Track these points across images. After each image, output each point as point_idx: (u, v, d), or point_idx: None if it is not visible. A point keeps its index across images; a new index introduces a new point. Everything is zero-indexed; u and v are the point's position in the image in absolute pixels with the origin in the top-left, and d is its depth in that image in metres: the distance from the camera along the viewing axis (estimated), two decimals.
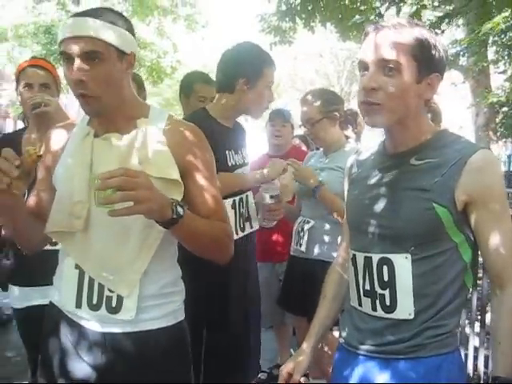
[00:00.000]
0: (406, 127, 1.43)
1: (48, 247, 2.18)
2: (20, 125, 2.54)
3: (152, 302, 1.51)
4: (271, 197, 2.52)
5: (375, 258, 1.44)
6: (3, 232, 2.24)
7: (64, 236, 1.55)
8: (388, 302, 1.41)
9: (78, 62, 1.42)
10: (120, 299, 1.48)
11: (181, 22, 13.83)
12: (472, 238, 1.40)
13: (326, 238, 2.82)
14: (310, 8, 7.71)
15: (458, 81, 10.09)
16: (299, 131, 4.13)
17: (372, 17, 6.16)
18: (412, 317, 1.39)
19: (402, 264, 1.39)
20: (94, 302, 1.49)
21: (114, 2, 12.70)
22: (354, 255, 1.51)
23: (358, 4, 7.41)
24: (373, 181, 1.50)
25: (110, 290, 1.49)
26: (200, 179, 1.53)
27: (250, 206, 2.48)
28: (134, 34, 1.54)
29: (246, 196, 2.46)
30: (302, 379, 1.60)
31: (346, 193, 1.66)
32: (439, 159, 1.38)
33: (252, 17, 8.66)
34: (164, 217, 1.35)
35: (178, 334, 1.58)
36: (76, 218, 1.49)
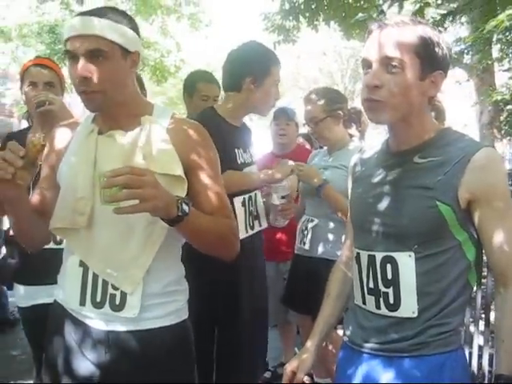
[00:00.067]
0: (410, 125, 1.43)
1: (53, 246, 2.19)
2: (24, 124, 2.54)
3: (155, 300, 1.51)
4: (282, 197, 2.55)
5: (379, 256, 1.44)
6: (11, 232, 2.25)
7: (68, 232, 1.56)
8: (392, 300, 1.42)
9: (82, 60, 1.43)
10: (123, 297, 1.48)
11: (184, 21, 13.83)
12: (476, 236, 1.40)
13: (330, 237, 2.82)
14: (313, 7, 7.70)
15: (463, 79, 10.05)
16: (303, 130, 4.12)
17: (374, 14, 6.14)
18: (415, 315, 1.39)
19: (406, 262, 1.39)
20: (98, 299, 1.50)
21: (118, 1, 12.71)
22: (358, 253, 1.51)
23: (362, 2, 7.40)
24: (376, 179, 1.51)
25: (114, 288, 1.49)
26: (204, 177, 1.54)
27: (259, 205, 2.51)
28: (138, 33, 1.55)
29: (255, 194, 2.49)
30: (306, 378, 1.60)
31: (349, 191, 1.66)
32: (442, 157, 1.38)
33: (255, 15, 8.67)
34: (169, 214, 1.35)
35: (181, 333, 1.58)
36: (79, 214, 1.49)
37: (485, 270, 2.47)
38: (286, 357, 3.62)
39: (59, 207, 1.55)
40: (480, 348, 3.03)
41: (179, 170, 1.48)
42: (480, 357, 3.02)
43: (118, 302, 1.49)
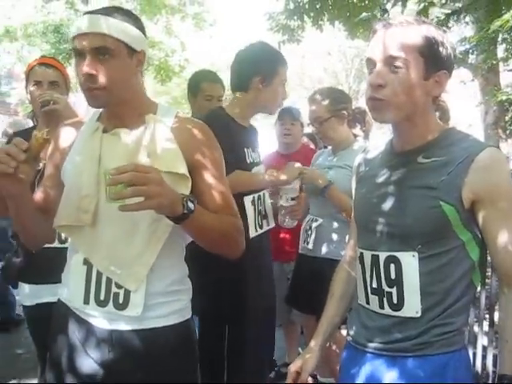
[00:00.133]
0: (414, 124, 1.43)
1: (57, 245, 2.21)
2: (29, 124, 2.55)
3: (159, 299, 1.52)
4: (291, 198, 2.58)
5: (382, 256, 1.44)
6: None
7: (72, 230, 1.56)
8: (395, 300, 1.42)
9: (88, 58, 1.45)
10: (127, 295, 1.49)
11: (189, 21, 13.84)
12: (479, 236, 1.40)
13: (334, 237, 2.82)
14: (318, 6, 7.69)
15: (467, 79, 10.02)
16: (307, 130, 4.13)
17: (378, 14, 6.13)
18: (419, 315, 1.39)
19: (409, 262, 1.39)
20: (102, 298, 1.51)
21: (122, 1, 12.73)
22: (362, 253, 1.51)
23: (366, 2, 7.38)
24: (380, 179, 1.51)
25: (118, 287, 1.50)
26: (208, 176, 1.54)
27: (267, 204, 2.53)
28: (144, 33, 1.56)
29: (263, 194, 2.51)
30: (309, 378, 1.60)
31: (353, 191, 1.66)
32: (446, 157, 1.38)
33: (260, 15, 8.66)
34: (175, 212, 1.36)
35: (185, 332, 1.59)
36: (84, 212, 1.50)
37: (489, 270, 2.46)
38: (290, 357, 3.63)
39: (63, 205, 1.55)
40: (484, 348, 3.03)
41: (183, 168, 1.49)
42: (484, 357, 3.01)
43: (121, 301, 1.49)
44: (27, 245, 1.71)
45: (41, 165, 1.98)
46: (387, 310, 1.44)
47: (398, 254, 1.41)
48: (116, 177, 1.27)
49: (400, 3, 5.86)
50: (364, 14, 6.51)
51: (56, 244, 2.22)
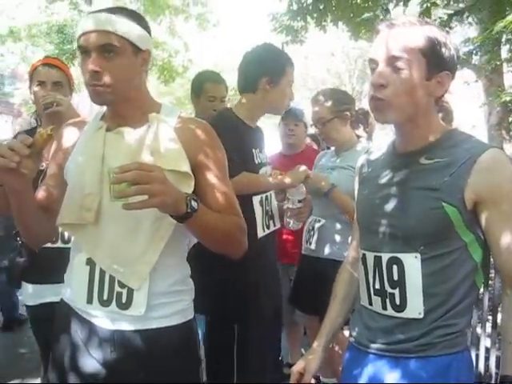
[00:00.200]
0: (416, 125, 1.43)
1: (60, 245, 2.21)
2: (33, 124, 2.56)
3: (161, 299, 1.52)
4: (299, 201, 2.59)
5: (385, 257, 1.44)
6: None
7: (75, 228, 1.57)
8: (398, 301, 1.42)
9: (94, 55, 1.46)
10: (130, 295, 1.49)
11: (192, 21, 13.84)
12: (482, 238, 1.40)
13: (337, 237, 2.82)
14: (321, 7, 7.68)
15: (471, 80, 10.00)
16: (310, 130, 4.13)
17: (379, 11, 6.12)
18: (422, 316, 1.39)
19: (412, 263, 1.39)
20: (105, 297, 1.51)
21: (126, 1, 12.75)
22: (364, 255, 1.51)
23: (370, 3, 7.37)
24: (383, 180, 1.51)
25: (121, 286, 1.50)
26: (211, 177, 1.54)
27: (273, 205, 2.54)
28: (149, 33, 1.57)
29: (270, 194, 2.52)
30: (312, 379, 1.60)
31: (356, 192, 1.66)
32: (448, 158, 1.38)
33: (263, 16, 8.65)
34: (178, 211, 1.36)
35: (187, 333, 1.59)
36: (87, 210, 1.50)
37: (492, 271, 2.46)
38: (293, 357, 3.63)
39: (66, 203, 1.56)
40: (487, 350, 3.02)
41: (186, 167, 1.49)
42: (487, 359, 3.01)
43: (124, 300, 1.50)
44: (29, 243, 1.71)
45: (44, 165, 1.99)
46: (390, 311, 1.44)
47: (400, 256, 1.41)
48: (120, 175, 1.28)
49: (402, 3, 5.86)
50: (366, 14, 6.50)
51: (59, 244, 2.23)
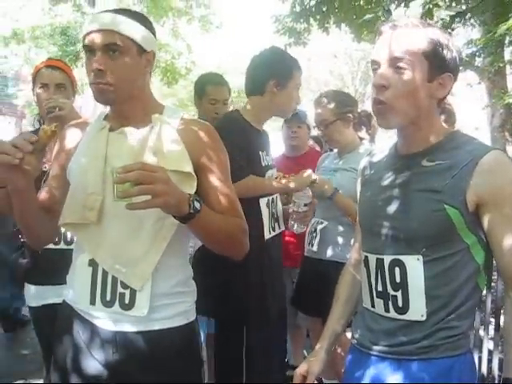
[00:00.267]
0: (419, 128, 1.43)
1: (63, 246, 2.22)
2: (36, 125, 2.57)
3: (164, 301, 1.52)
4: (305, 205, 2.61)
5: (387, 259, 1.44)
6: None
7: (77, 228, 1.57)
8: (400, 304, 1.41)
9: (98, 54, 1.47)
10: (133, 296, 1.49)
11: (195, 23, 13.88)
12: (484, 240, 1.40)
13: (339, 239, 2.82)
14: (324, 9, 7.69)
15: (474, 81, 10.00)
16: (313, 132, 4.13)
17: (380, 13, 6.11)
18: (424, 318, 1.39)
19: (414, 265, 1.39)
20: (108, 298, 1.51)
21: (130, 3, 12.78)
22: (366, 257, 1.51)
23: (372, 5, 7.37)
24: (385, 182, 1.51)
25: (124, 287, 1.50)
26: (213, 179, 1.55)
27: (279, 208, 2.57)
28: (154, 35, 1.59)
29: (276, 197, 2.55)
30: (315, 381, 1.60)
31: (358, 194, 1.66)
32: (450, 161, 1.38)
33: (266, 18, 8.67)
34: (181, 211, 1.37)
35: (189, 334, 1.59)
36: (89, 209, 1.51)
37: (495, 273, 2.45)
38: (295, 359, 3.62)
39: (69, 203, 1.56)
40: (490, 352, 3.01)
41: (189, 167, 1.50)
42: (490, 361, 3.00)
43: (127, 301, 1.50)
44: (31, 244, 1.72)
45: (47, 166, 2.00)
46: (392, 314, 1.44)
47: (402, 258, 1.41)
48: (123, 175, 1.28)
49: (403, 4, 5.85)
50: (368, 15, 6.49)
51: (62, 245, 2.23)
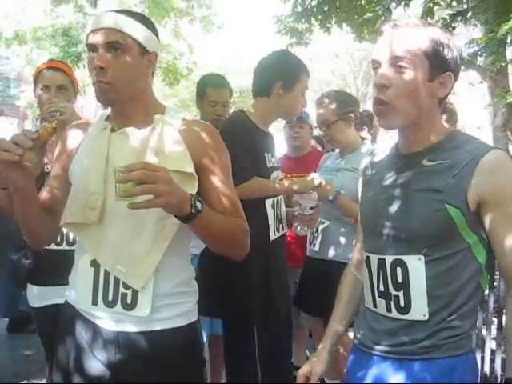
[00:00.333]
0: (420, 128, 1.43)
1: (65, 247, 2.22)
2: (38, 126, 2.58)
3: (166, 301, 1.52)
4: (311, 208, 2.61)
5: (389, 259, 1.44)
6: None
7: (79, 228, 1.57)
8: (402, 304, 1.41)
9: (100, 52, 1.49)
10: (135, 296, 1.50)
11: (197, 24, 13.89)
12: (486, 239, 1.39)
13: (341, 239, 2.82)
14: (325, 9, 7.68)
15: (476, 81, 9.99)
16: (314, 132, 4.13)
17: (380, 12, 6.10)
18: (426, 318, 1.39)
19: (416, 265, 1.39)
20: (110, 298, 1.51)
21: (131, 4, 12.80)
22: (368, 257, 1.51)
23: (373, 4, 7.36)
24: (386, 182, 1.50)
25: (126, 287, 1.50)
26: (215, 179, 1.55)
27: (282, 209, 2.58)
28: (157, 36, 1.60)
29: (280, 199, 2.57)
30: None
31: (359, 194, 1.66)
32: (451, 160, 1.38)
33: (268, 18, 8.67)
34: (183, 211, 1.37)
35: (191, 335, 1.59)
36: (91, 209, 1.51)
37: (497, 273, 2.45)
38: (298, 359, 3.62)
39: (71, 203, 1.56)
40: (492, 352, 3.01)
41: (190, 168, 1.50)
42: (492, 361, 3.00)
43: (129, 301, 1.50)
44: (30, 244, 1.71)
45: (49, 167, 2.00)
46: (394, 314, 1.43)
47: (404, 258, 1.41)
48: (126, 174, 1.28)
49: (403, 3, 5.85)
50: (368, 14, 6.49)
51: (64, 246, 2.24)
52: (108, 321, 1.52)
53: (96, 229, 1.53)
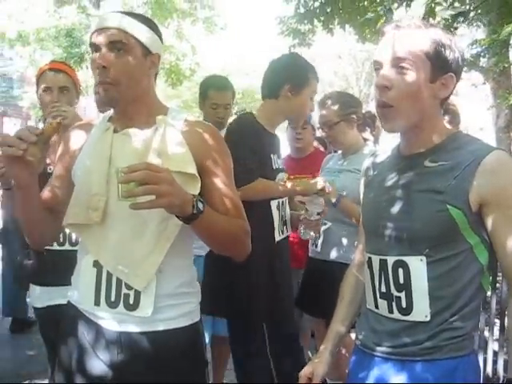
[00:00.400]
0: (422, 129, 1.43)
1: (68, 247, 2.23)
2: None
3: (168, 301, 1.52)
4: (318, 213, 2.62)
5: (390, 260, 1.44)
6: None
7: (81, 228, 1.57)
8: (404, 305, 1.41)
9: (103, 51, 1.49)
10: (137, 296, 1.50)
11: (199, 25, 13.90)
12: (488, 240, 1.39)
13: (343, 240, 2.82)
14: (328, 10, 7.67)
15: (479, 82, 9.98)
16: (317, 133, 4.13)
17: (382, 12, 6.09)
18: (428, 319, 1.39)
19: (417, 266, 1.39)
20: (112, 299, 1.52)
21: (134, 5, 12.82)
22: (370, 258, 1.51)
23: (375, 5, 7.35)
24: (388, 183, 1.50)
25: (128, 288, 1.51)
26: (217, 180, 1.55)
27: (287, 211, 2.61)
28: (161, 38, 1.60)
29: (285, 200, 2.59)
30: None
31: (361, 195, 1.66)
32: (453, 161, 1.38)
33: (271, 19, 8.65)
34: (185, 212, 1.37)
35: (194, 335, 1.59)
36: (93, 209, 1.51)
37: (500, 274, 2.45)
38: None
39: (73, 204, 1.57)
40: (495, 353, 3.01)
41: (192, 169, 1.50)
42: (495, 362, 2.99)
43: (131, 302, 1.50)
44: (30, 243, 1.71)
45: (51, 168, 2.01)
46: (396, 315, 1.43)
47: (405, 259, 1.41)
48: (128, 175, 1.29)
49: (405, 4, 5.84)
50: (369, 14, 6.48)
51: (67, 246, 2.24)
52: (110, 321, 1.52)
53: (98, 229, 1.53)
